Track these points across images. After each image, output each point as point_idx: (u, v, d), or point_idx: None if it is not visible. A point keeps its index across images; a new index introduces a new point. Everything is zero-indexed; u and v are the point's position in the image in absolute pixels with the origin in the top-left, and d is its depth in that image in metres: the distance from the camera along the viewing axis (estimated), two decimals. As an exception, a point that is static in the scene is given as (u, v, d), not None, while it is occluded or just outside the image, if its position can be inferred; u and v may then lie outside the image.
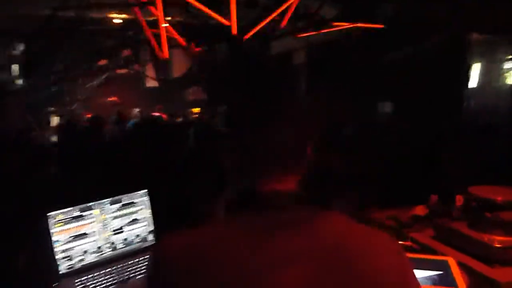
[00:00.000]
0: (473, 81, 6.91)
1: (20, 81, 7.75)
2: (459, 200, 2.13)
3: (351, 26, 5.09)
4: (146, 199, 1.71)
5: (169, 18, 4.74)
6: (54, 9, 5.24)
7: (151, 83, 10.55)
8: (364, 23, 5.01)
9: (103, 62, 8.50)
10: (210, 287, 0.65)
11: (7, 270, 1.80)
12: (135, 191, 1.68)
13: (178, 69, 11.00)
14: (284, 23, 4.59)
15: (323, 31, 5.20)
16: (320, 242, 0.69)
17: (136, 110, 9.56)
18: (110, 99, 9.26)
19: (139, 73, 9.56)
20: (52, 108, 8.09)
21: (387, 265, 0.70)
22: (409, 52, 6.67)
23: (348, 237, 0.72)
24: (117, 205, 1.64)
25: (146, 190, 1.70)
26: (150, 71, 10.65)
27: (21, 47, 7.12)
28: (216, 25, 4.39)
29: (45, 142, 6.17)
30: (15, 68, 7.08)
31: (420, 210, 2.25)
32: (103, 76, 8.81)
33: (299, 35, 5.57)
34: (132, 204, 1.68)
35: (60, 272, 1.51)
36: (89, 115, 7.30)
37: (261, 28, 4.41)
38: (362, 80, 7.92)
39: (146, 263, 1.61)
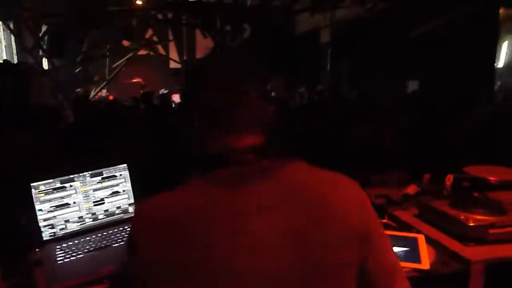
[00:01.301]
0: (501, 59, 6.53)
1: (49, 62, 8.09)
2: (449, 179, 2.09)
3: None
4: (126, 173, 1.78)
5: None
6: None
7: (174, 64, 10.66)
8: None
9: (126, 43, 8.69)
10: (186, 240, 0.69)
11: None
12: (116, 165, 1.76)
13: (201, 49, 11.03)
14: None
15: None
16: (286, 188, 0.74)
17: (162, 90, 9.73)
18: (135, 80, 9.45)
19: (162, 54, 9.71)
20: (80, 89, 8.36)
21: (349, 209, 0.76)
22: (434, 27, 6.40)
23: (312, 183, 0.77)
24: (98, 178, 1.72)
25: (125, 164, 1.77)
26: (172, 52, 10.77)
27: (48, 29, 7.38)
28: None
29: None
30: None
31: (411, 189, 2.22)
32: (127, 57, 9.01)
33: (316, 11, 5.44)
34: (113, 177, 1.76)
35: (44, 239, 1.62)
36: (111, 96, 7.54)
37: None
38: (387, 57, 7.67)
39: (126, 232, 1.69)
